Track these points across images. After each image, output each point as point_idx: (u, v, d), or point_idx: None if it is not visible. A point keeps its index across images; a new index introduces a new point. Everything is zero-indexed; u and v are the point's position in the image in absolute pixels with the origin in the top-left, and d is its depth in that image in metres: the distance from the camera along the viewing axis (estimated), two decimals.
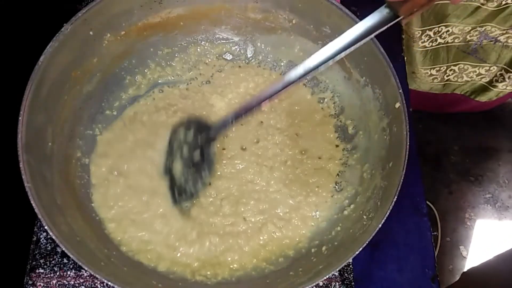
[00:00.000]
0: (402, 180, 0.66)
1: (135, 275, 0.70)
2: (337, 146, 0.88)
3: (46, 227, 0.60)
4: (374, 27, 0.59)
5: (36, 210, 0.61)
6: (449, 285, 1.39)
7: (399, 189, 0.66)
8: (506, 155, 2.03)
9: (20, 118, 0.64)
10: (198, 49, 0.92)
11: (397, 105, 0.72)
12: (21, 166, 0.62)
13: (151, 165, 0.82)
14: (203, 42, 0.92)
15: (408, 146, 0.69)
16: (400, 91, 0.71)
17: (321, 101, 0.91)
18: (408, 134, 0.69)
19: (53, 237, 0.60)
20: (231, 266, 0.77)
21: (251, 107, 0.69)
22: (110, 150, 0.83)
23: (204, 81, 0.91)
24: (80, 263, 0.59)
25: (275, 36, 0.90)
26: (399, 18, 0.57)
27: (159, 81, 0.90)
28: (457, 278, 1.47)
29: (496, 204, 1.95)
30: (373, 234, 0.63)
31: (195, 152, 0.79)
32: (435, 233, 1.79)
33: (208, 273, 0.76)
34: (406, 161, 0.67)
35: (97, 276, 0.59)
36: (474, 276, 1.23)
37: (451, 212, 1.91)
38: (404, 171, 0.67)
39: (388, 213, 0.64)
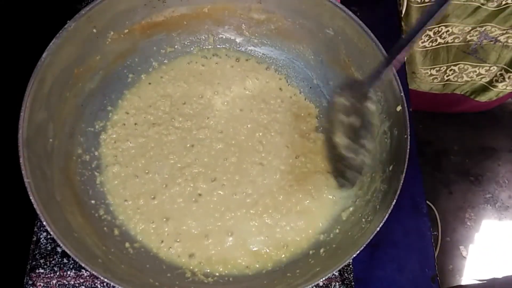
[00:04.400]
0: (401, 184, 0.66)
1: (133, 272, 0.70)
2: None
3: (44, 223, 0.60)
4: None
5: (35, 206, 0.61)
6: None
7: (398, 193, 0.66)
8: (506, 155, 2.03)
9: (21, 114, 0.64)
10: (201, 48, 0.93)
11: (399, 108, 0.72)
12: (21, 162, 0.62)
13: (162, 159, 0.83)
14: (206, 42, 0.92)
15: (408, 150, 0.68)
16: (402, 94, 0.71)
17: (321, 104, 0.91)
18: (409, 137, 0.69)
19: (51, 232, 0.60)
20: (229, 266, 0.77)
21: (401, 50, 0.64)
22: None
23: (204, 80, 0.91)
24: (77, 260, 0.59)
25: (278, 37, 0.90)
26: None
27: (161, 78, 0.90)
28: (457, 278, 1.48)
29: (496, 204, 1.95)
30: (371, 238, 0.63)
31: (351, 118, 0.72)
32: (435, 233, 1.80)
33: (207, 270, 0.76)
34: (406, 165, 0.67)
35: (94, 273, 0.59)
36: None
37: (451, 212, 1.92)
38: (404, 175, 0.67)
39: (386, 217, 0.64)
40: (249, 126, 0.88)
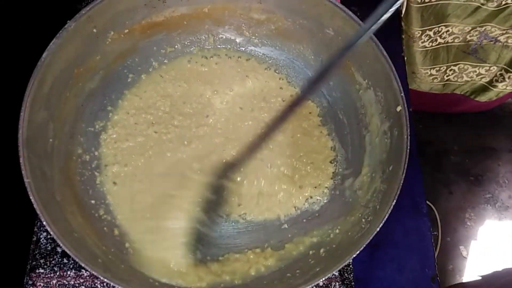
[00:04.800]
0: (401, 184, 0.66)
1: (133, 272, 0.70)
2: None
3: (44, 223, 0.60)
4: None
5: (35, 206, 0.61)
6: None
7: (398, 193, 0.66)
8: (506, 155, 2.03)
9: (21, 114, 0.64)
10: (201, 48, 0.93)
11: (399, 108, 0.72)
12: (21, 162, 0.62)
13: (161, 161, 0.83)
14: (206, 42, 0.92)
15: (408, 150, 0.68)
16: (402, 94, 0.71)
17: (321, 103, 0.91)
18: (409, 138, 0.69)
19: (51, 232, 0.60)
20: (229, 266, 0.77)
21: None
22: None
23: (205, 80, 0.91)
24: (77, 260, 0.59)
25: (278, 37, 0.90)
26: None
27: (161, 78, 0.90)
28: (457, 278, 1.48)
29: (496, 204, 1.95)
30: (371, 238, 0.63)
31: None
32: (435, 233, 1.80)
33: (207, 274, 0.76)
34: (406, 165, 0.67)
35: (94, 273, 0.59)
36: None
37: (451, 212, 1.92)
38: (404, 175, 0.67)
39: (386, 217, 0.64)
40: (250, 123, 0.88)
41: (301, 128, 0.89)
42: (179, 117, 0.87)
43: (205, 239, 0.78)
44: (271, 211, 0.83)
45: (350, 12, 0.75)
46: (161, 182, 0.81)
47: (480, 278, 1.19)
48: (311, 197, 0.84)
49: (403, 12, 1.17)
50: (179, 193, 0.81)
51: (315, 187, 0.84)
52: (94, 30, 0.75)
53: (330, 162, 0.87)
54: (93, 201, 0.77)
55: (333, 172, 0.86)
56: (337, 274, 0.81)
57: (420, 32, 1.30)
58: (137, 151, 0.83)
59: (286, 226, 0.82)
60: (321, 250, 0.75)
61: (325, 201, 0.84)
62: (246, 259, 0.78)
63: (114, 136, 0.84)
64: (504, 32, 1.31)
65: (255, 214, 0.82)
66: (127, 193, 0.80)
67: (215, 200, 0.81)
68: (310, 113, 0.91)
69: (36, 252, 0.78)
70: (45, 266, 0.78)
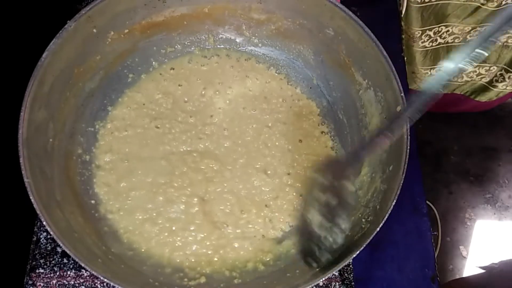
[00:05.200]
0: (401, 184, 0.66)
1: (133, 272, 0.70)
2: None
3: (44, 223, 0.60)
4: None
5: (35, 205, 0.61)
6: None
7: (398, 193, 0.65)
8: (506, 155, 2.03)
9: (21, 113, 0.64)
10: (201, 48, 0.93)
11: (399, 108, 0.72)
12: (21, 161, 0.62)
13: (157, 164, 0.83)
14: (206, 42, 0.92)
15: (408, 150, 0.68)
16: (402, 94, 0.71)
17: (321, 103, 0.91)
18: (409, 138, 0.69)
19: (51, 232, 0.60)
20: (229, 266, 0.77)
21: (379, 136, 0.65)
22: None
23: (205, 79, 0.91)
24: (77, 259, 0.59)
25: (278, 37, 0.90)
26: None
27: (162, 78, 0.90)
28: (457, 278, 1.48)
29: (496, 204, 1.95)
30: (371, 238, 0.63)
31: (327, 195, 0.69)
32: (435, 233, 1.80)
33: (208, 271, 0.76)
34: (406, 165, 0.67)
35: (94, 273, 0.59)
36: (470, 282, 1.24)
37: (451, 212, 1.92)
38: (404, 175, 0.67)
39: (386, 217, 0.64)
40: (254, 126, 0.88)
41: (302, 128, 0.89)
42: (182, 114, 0.87)
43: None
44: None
45: (350, 12, 0.75)
46: (160, 174, 0.82)
47: (477, 273, 1.19)
48: None
49: (403, 12, 1.17)
50: (179, 187, 0.81)
51: None
52: (94, 30, 0.75)
53: None
54: (93, 201, 0.77)
55: None
56: (337, 274, 0.81)
57: (420, 32, 1.30)
58: (138, 150, 0.84)
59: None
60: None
61: None
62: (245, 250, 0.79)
63: (112, 128, 0.84)
64: (504, 32, 1.30)
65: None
66: (121, 185, 0.81)
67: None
68: (310, 113, 0.91)
69: (36, 252, 0.78)
70: (45, 266, 0.78)
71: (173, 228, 0.78)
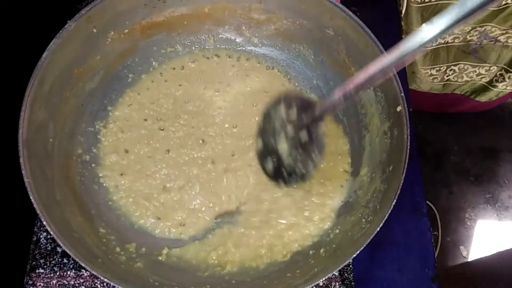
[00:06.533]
0: (401, 184, 0.66)
1: (133, 272, 0.70)
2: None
3: (44, 223, 0.60)
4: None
5: (35, 205, 0.61)
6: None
7: (398, 193, 0.66)
8: (506, 155, 2.04)
9: (21, 114, 0.64)
10: (201, 48, 0.93)
11: (399, 108, 0.72)
12: (21, 161, 0.62)
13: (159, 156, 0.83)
14: (206, 42, 0.92)
15: (408, 150, 0.68)
16: (402, 94, 0.71)
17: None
18: (409, 138, 0.69)
19: (51, 232, 0.60)
20: (229, 266, 0.77)
21: (361, 85, 0.60)
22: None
23: (205, 79, 0.91)
24: (77, 260, 0.59)
25: (278, 37, 0.90)
26: None
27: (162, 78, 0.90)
28: None
29: (496, 204, 1.95)
30: (371, 238, 0.64)
31: (301, 133, 0.72)
32: (435, 233, 1.80)
33: (208, 271, 0.76)
34: (406, 165, 0.67)
35: (94, 273, 0.59)
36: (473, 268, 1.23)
37: (451, 212, 1.92)
38: (404, 175, 0.67)
39: (386, 217, 0.64)
40: (256, 119, 0.88)
41: None
42: (184, 115, 0.87)
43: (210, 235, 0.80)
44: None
45: (350, 12, 0.75)
46: (165, 183, 0.82)
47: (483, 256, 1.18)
48: None
49: (403, 12, 1.17)
50: (184, 188, 0.82)
51: None
52: (94, 30, 0.75)
53: None
54: (93, 201, 0.77)
55: None
56: (337, 274, 0.81)
57: None
58: (140, 141, 0.84)
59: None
60: (321, 250, 0.75)
61: None
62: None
63: (115, 129, 0.84)
64: (504, 32, 1.30)
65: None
66: (122, 185, 0.81)
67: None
68: None
69: (36, 252, 0.78)
70: (45, 266, 0.78)
71: (174, 230, 0.79)
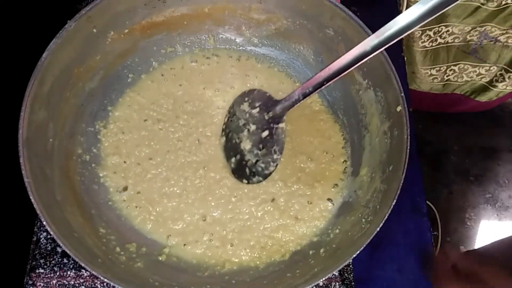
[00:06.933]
0: (401, 184, 0.66)
1: (133, 272, 0.70)
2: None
3: (44, 223, 0.60)
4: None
5: (35, 205, 0.61)
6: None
7: (398, 193, 0.66)
8: (506, 155, 2.03)
9: (21, 114, 0.64)
10: (201, 48, 0.93)
11: (399, 108, 0.72)
12: (21, 161, 0.62)
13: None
14: (206, 42, 0.92)
15: (408, 150, 0.68)
16: (402, 94, 0.71)
17: (321, 103, 0.91)
18: (409, 138, 0.69)
19: (51, 232, 0.60)
20: (229, 266, 0.77)
21: (319, 83, 0.67)
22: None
23: (205, 79, 0.91)
24: (77, 260, 0.59)
25: (278, 37, 0.90)
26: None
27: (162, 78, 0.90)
28: None
29: (496, 204, 1.95)
30: (371, 238, 0.64)
31: (263, 131, 0.77)
32: (435, 233, 1.80)
33: (208, 271, 0.76)
34: (406, 165, 0.67)
35: (94, 273, 0.59)
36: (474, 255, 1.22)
37: (451, 212, 1.92)
38: (404, 175, 0.67)
39: (386, 217, 0.64)
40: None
41: (303, 127, 0.89)
42: (183, 114, 0.87)
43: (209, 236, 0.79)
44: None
45: (350, 12, 0.75)
46: (165, 183, 0.82)
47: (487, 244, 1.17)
48: None
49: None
50: (182, 189, 0.82)
51: None
52: (94, 30, 0.75)
53: None
54: (93, 201, 0.77)
55: None
56: (337, 274, 0.81)
57: (420, 32, 1.30)
58: (140, 142, 0.84)
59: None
60: (321, 250, 0.75)
61: None
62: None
63: (115, 129, 0.84)
64: (504, 32, 1.31)
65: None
66: (122, 185, 0.81)
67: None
68: (311, 102, 0.91)
69: (36, 252, 0.78)
70: (45, 266, 0.78)
71: (174, 230, 0.79)
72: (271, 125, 0.77)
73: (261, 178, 0.79)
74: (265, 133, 0.77)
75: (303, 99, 0.71)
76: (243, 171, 0.80)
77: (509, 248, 0.98)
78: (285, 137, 0.78)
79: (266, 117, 0.77)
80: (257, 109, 0.78)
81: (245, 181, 0.80)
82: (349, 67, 0.62)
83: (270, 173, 0.79)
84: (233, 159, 0.81)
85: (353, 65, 0.62)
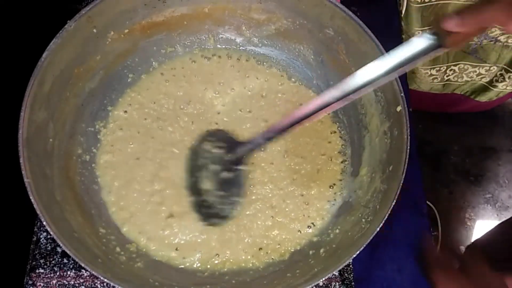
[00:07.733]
0: (401, 184, 0.66)
1: (133, 273, 0.70)
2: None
3: (44, 223, 0.60)
4: (415, 55, 0.53)
5: (35, 205, 0.61)
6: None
7: (398, 193, 0.66)
8: (506, 155, 2.03)
9: (21, 114, 0.64)
10: (201, 48, 0.93)
11: (399, 108, 0.72)
12: (21, 161, 0.62)
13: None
14: (206, 42, 0.92)
15: (408, 150, 0.68)
16: (402, 94, 0.71)
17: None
18: (409, 138, 0.69)
19: (51, 232, 0.60)
20: (229, 266, 0.77)
21: (283, 129, 0.67)
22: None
23: (206, 79, 0.91)
24: (77, 260, 0.59)
25: (278, 37, 0.90)
26: (442, 49, 0.52)
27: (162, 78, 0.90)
28: None
29: (496, 204, 1.95)
30: (371, 238, 0.63)
31: (223, 173, 0.77)
32: (435, 233, 1.79)
33: (208, 271, 0.76)
34: (406, 165, 0.67)
35: (94, 273, 0.59)
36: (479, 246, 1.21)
37: (451, 212, 1.91)
38: (404, 175, 0.67)
39: (386, 217, 0.64)
40: (252, 123, 0.88)
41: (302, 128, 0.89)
42: (184, 115, 0.87)
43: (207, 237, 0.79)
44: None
45: (350, 12, 0.75)
46: (165, 183, 0.82)
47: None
48: None
49: (403, 12, 1.17)
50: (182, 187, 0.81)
51: None
52: (94, 30, 0.75)
53: None
54: (93, 201, 0.77)
55: None
56: (337, 274, 0.80)
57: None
58: (138, 142, 0.84)
59: None
60: (321, 250, 0.75)
61: None
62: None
63: (114, 129, 0.84)
64: (504, 32, 1.30)
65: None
66: (123, 186, 0.81)
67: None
68: None
69: (36, 252, 0.78)
70: (45, 266, 0.78)
71: (174, 230, 0.79)
72: (232, 166, 0.77)
73: (217, 220, 0.78)
74: (225, 174, 0.77)
75: (265, 143, 0.72)
76: (201, 211, 0.79)
77: (496, 242, 0.98)
78: (245, 182, 0.78)
79: (227, 158, 0.77)
80: (219, 149, 0.79)
81: (205, 220, 0.78)
82: (310, 116, 0.63)
83: (228, 216, 0.78)
84: (192, 198, 0.80)
85: (314, 115, 0.62)
